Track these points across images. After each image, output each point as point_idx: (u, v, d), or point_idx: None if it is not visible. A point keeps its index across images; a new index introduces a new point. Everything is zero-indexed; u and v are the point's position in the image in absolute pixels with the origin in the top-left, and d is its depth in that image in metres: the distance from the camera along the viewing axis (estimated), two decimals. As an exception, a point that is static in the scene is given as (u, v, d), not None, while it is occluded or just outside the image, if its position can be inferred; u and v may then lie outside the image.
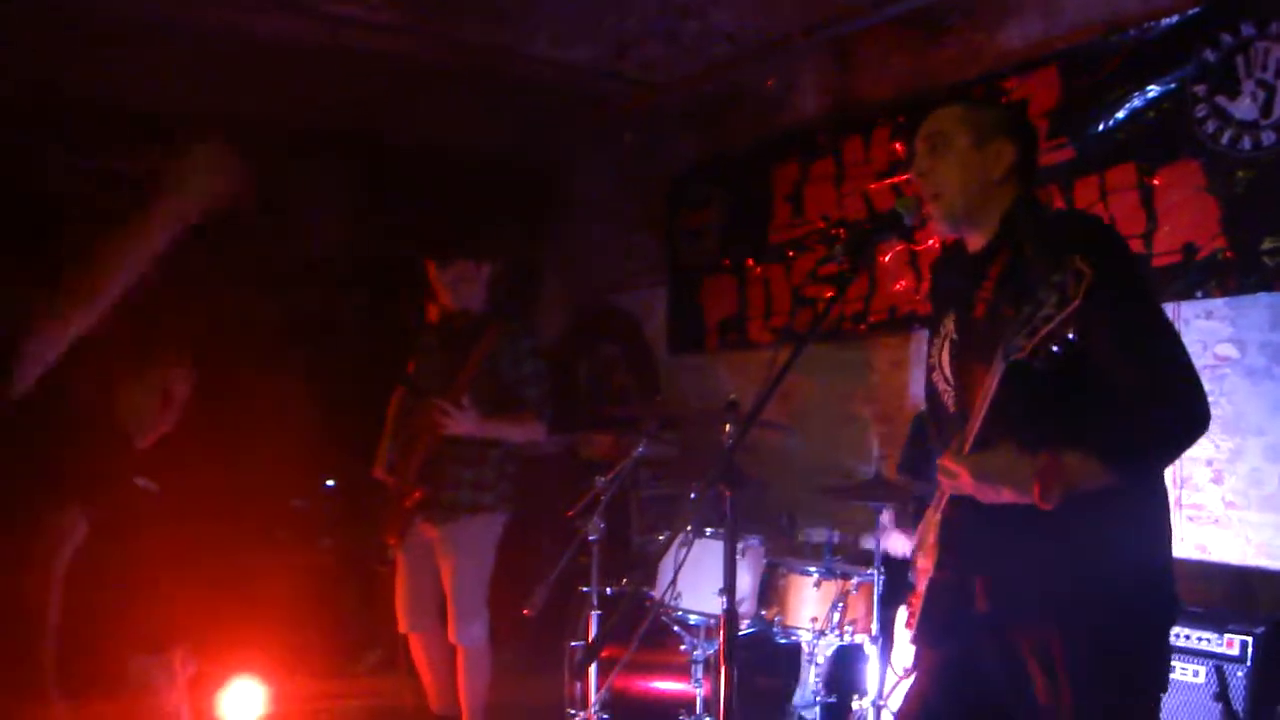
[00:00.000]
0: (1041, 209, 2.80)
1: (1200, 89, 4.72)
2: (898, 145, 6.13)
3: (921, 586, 2.78)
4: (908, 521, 4.91)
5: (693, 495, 5.48)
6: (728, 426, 4.93)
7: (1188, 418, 2.41)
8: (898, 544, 5.03)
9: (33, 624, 3.83)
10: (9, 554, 3.83)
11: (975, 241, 2.76)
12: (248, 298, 6.81)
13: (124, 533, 4.09)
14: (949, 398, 2.73)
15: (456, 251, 5.12)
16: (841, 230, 6.42)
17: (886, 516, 4.86)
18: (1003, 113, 2.80)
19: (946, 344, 2.76)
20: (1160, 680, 2.54)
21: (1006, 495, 2.41)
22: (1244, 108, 4.58)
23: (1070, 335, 2.21)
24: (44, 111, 6.49)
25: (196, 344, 4.37)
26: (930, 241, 5.87)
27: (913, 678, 2.93)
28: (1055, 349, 2.24)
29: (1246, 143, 4.57)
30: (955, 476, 2.48)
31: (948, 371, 2.75)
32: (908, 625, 2.83)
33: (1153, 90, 4.90)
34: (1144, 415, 2.40)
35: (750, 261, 7.15)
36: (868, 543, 5.12)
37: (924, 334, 5.49)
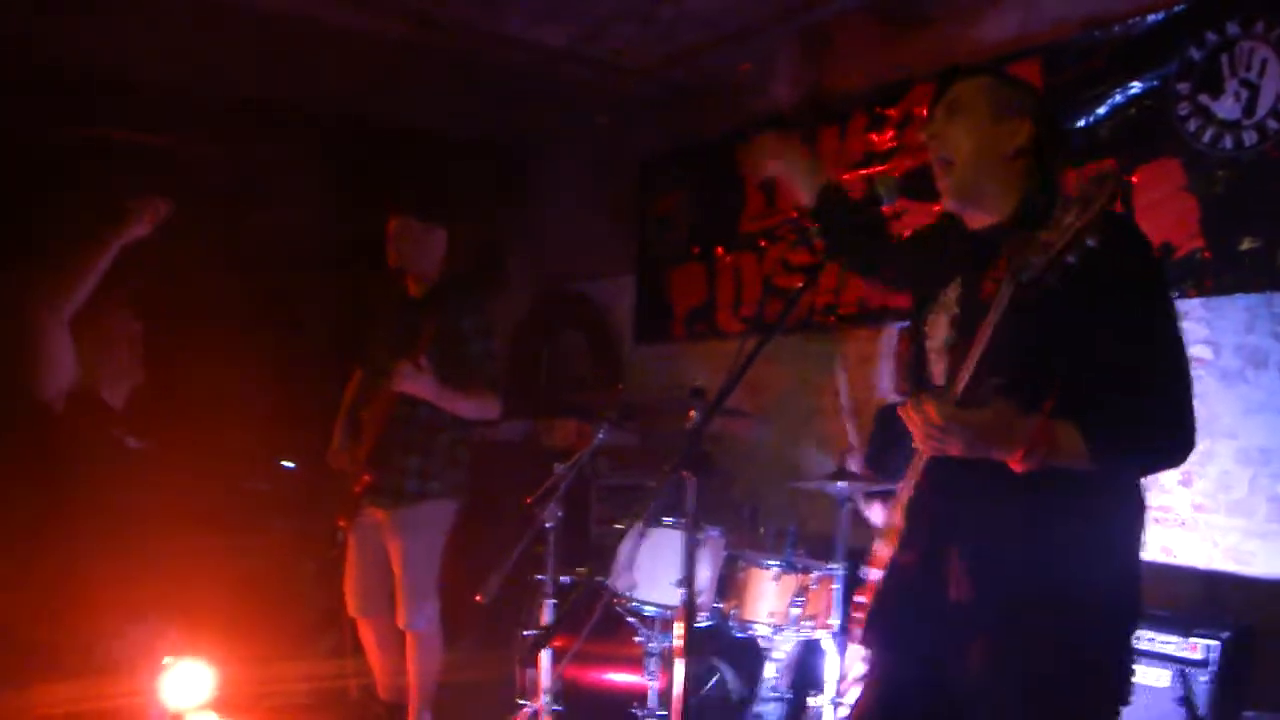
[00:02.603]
0: (1057, 196, 2.69)
1: (1183, 87, 4.66)
2: (873, 136, 6.04)
3: (875, 578, 2.66)
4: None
5: (653, 483, 5.39)
6: (692, 413, 4.84)
7: (1187, 444, 2.34)
8: (878, 514, 4.96)
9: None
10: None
11: (979, 219, 2.64)
12: (212, 276, 6.69)
13: (112, 499, 4.01)
14: (940, 370, 2.62)
15: (411, 207, 5.04)
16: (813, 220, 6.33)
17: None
18: (1027, 93, 2.68)
19: (943, 315, 2.65)
20: (1124, 692, 2.45)
21: (989, 454, 2.30)
22: (1227, 107, 4.52)
23: (1090, 241, 2.10)
24: (12, 77, 6.35)
25: (141, 296, 4.32)
26: (903, 234, 5.78)
27: (861, 686, 2.81)
28: (1070, 259, 2.13)
29: (1228, 142, 4.50)
30: (944, 442, 2.32)
31: (940, 343, 2.64)
32: (854, 624, 2.71)
33: (1135, 87, 4.84)
34: (1148, 424, 2.32)
35: (720, 250, 7.06)
36: (831, 536, 5.03)
37: (894, 328, 5.46)
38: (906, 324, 5.06)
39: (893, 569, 2.59)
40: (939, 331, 2.65)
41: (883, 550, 2.62)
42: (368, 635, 5.15)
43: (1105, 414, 2.29)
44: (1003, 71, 2.85)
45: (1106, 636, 2.44)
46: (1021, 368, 2.28)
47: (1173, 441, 2.33)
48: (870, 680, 2.76)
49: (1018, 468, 2.26)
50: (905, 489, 2.55)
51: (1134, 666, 2.50)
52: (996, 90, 2.64)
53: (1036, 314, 2.23)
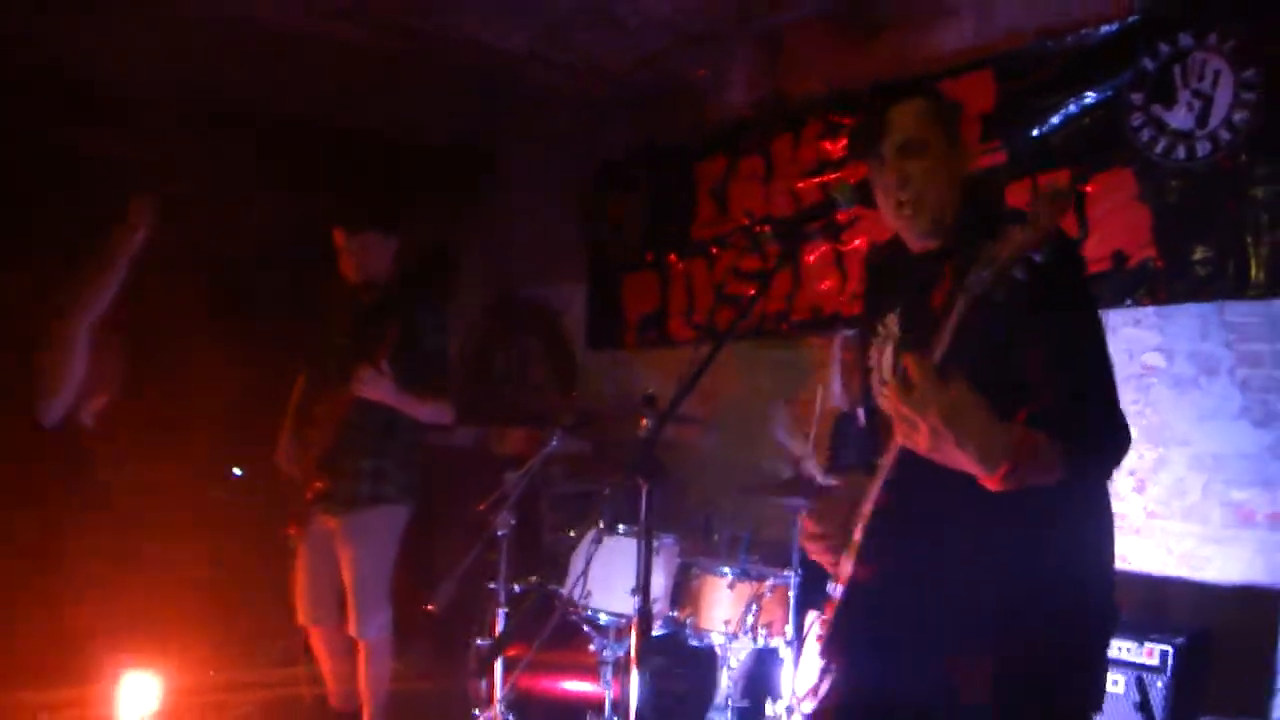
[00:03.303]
0: (992, 204, 2.68)
1: (1137, 97, 4.69)
2: (828, 144, 6.05)
3: (837, 593, 2.61)
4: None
5: (606, 490, 5.37)
6: (644, 421, 4.82)
7: (1124, 443, 2.31)
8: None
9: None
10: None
11: (920, 242, 2.62)
12: (166, 280, 6.60)
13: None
14: (885, 401, 2.60)
15: (364, 220, 4.97)
16: (765, 227, 6.33)
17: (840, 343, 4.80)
18: (957, 106, 2.66)
19: (889, 345, 2.63)
20: (1096, 699, 2.44)
21: (963, 455, 2.11)
22: (1180, 117, 4.55)
23: (1036, 256, 2.07)
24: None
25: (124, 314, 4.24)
26: (856, 242, 5.79)
27: (817, 698, 2.77)
28: (1019, 275, 2.07)
29: (1181, 152, 4.54)
30: (915, 397, 2.13)
31: (887, 372, 2.62)
32: (819, 639, 2.68)
33: (1089, 97, 4.87)
34: (1109, 435, 2.30)
35: (673, 257, 7.05)
36: (786, 543, 5.01)
37: (841, 335, 5.46)
38: (852, 332, 5.11)
39: (852, 586, 2.55)
40: (885, 361, 2.64)
41: (845, 566, 2.59)
42: (319, 644, 5.08)
43: (1072, 427, 2.22)
44: (933, 90, 2.81)
45: (1081, 646, 2.43)
46: (983, 377, 2.16)
47: (1123, 451, 2.32)
48: (829, 694, 2.72)
49: (995, 486, 2.13)
50: (865, 503, 2.51)
51: (1107, 674, 2.50)
52: (941, 113, 2.60)
53: (988, 325, 2.17)
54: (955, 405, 2.08)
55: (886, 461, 2.40)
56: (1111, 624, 2.48)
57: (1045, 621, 2.34)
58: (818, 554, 2.67)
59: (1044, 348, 2.28)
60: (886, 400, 2.55)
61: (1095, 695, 2.43)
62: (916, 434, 2.14)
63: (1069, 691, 2.39)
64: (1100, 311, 2.37)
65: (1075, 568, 2.38)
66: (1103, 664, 2.49)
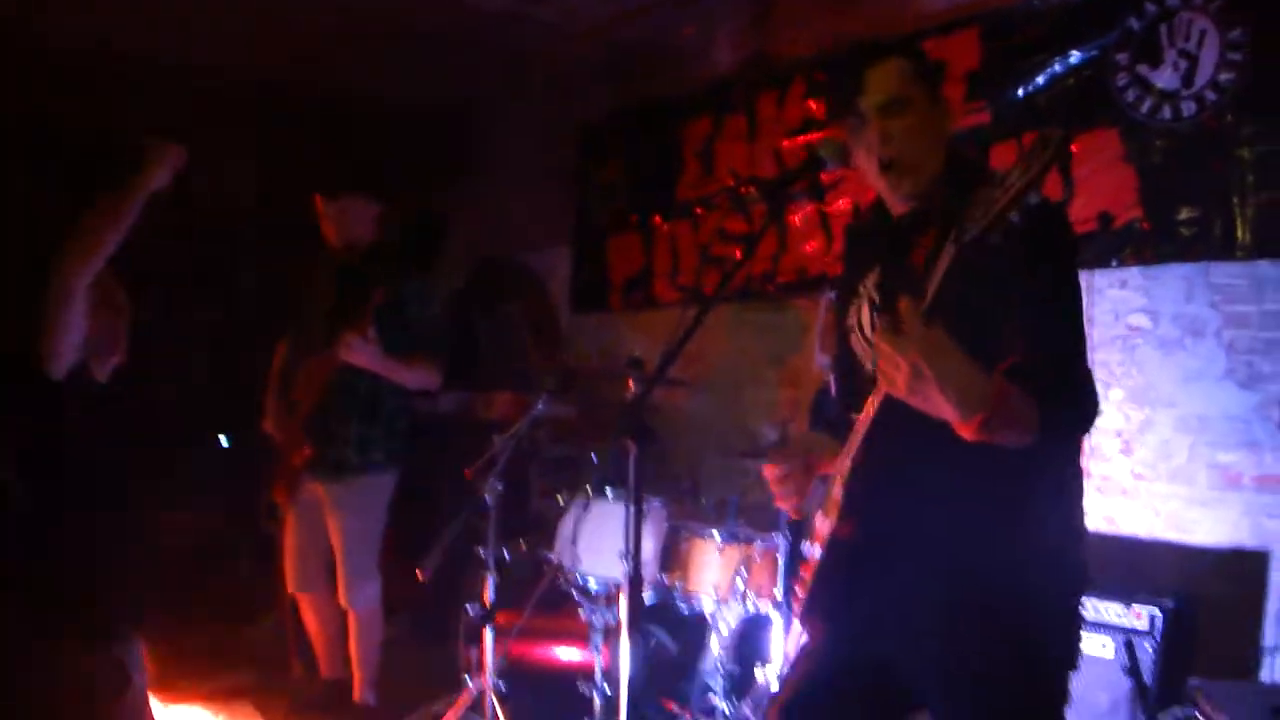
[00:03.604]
0: (974, 167, 2.65)
1: (1122, 57, 4.67)
2: (812, 103, 6.02)
3: (814, 553, 2.63)
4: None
5: (594, 455, 5.36)
6: (631, 383, 4.81)
7: (1095, 410, 2.29)
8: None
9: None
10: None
11: (903, 203, 2.60)
12: (141, 246, 6.55)
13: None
14: (869, 359, 2.60)
15: (343, 185, 4.95)
16: (751, 188, 6.30)
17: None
18: (938, 65, 2.62)
19: (865, 304, 2.62)
20: (1072, 657, 2.45)
21: (944, 402, 2.09)
22: (1166, 77, 4.53)
23: (1032, 199, 2.04)
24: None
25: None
26: (841, 203, 5.77)
27: (796, 657, 2.77)
28: (1014, 218, 2.01)
29: (1167, 112, 4.52)
30: (902, 341, 2.10)
31: (868, 330, 2.61)
32: (795, 599, 2.68)
33: (1074, 56, 4.84)
34: (1084, 395, 2.28)
35: (658, 219, 7.01)
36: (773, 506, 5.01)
37: (825, 298, 5.45)
38: (833, 294, 5.10)
39: (831, 544, 2.56)
40: (863, 320, 2.63)
41: (822, 524, 2.59)
42: (308, 612, 5.08)
43: (1049, 388, 2.20)
44: (914, 49, 2.78)
45: (1057, 605, 2.43)
46: (967, 329, 2.12)
47: (1093, 418, 2.30)
48: (805, 655, 2.72)
49: (969, 435, 2.11)
50: (843, 461, 2.51)
51: (1081, 633, 2.51)
52: (922, 72, 2.56)
53: (977, 274, 2.12)
54: (938, 345, 2.07)
55: (865, 417, 2.39)
56: (1084, 583, 2.49)
57: (1019, 577, 2.34)
58: (783, 498, 2.70)
59: (1026, 304, 2.27)
60: (868, 350, 2.56)
61: (1070, 653, 2.45)
62: (898, 375, 2.11)
63: (1043, 646, 2.40)
64: (1085, 272, 2.36)
65: (1047, 525, 2.38)
66: (1077, 623, 2.50)
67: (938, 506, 2.39)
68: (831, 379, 4.70)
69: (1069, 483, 2.47)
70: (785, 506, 2.73)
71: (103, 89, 6.82)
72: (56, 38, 6.48)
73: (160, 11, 6.28)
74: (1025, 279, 2.26)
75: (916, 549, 2.43)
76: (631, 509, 3.03)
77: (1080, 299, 2.34)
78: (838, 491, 2.53)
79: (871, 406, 2.37)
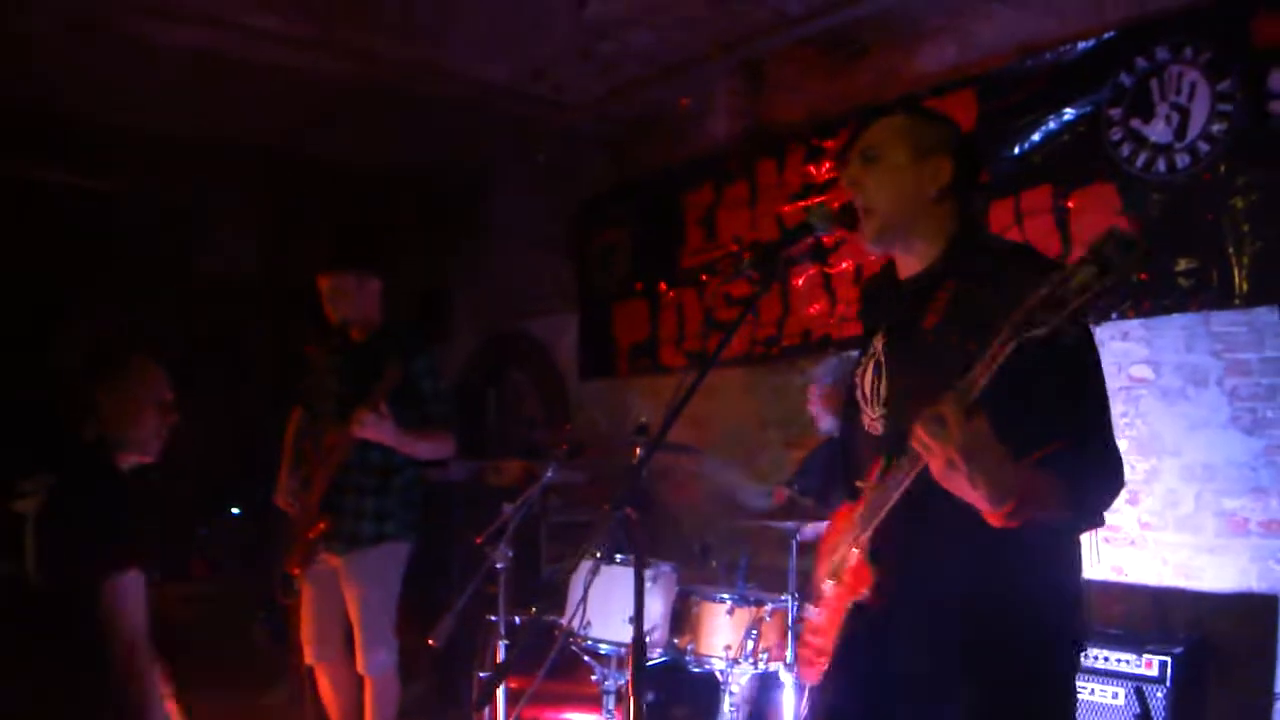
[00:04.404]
0: (988, 237, 2.69)
1: (1115, 112, 4.74)
2: (811, 168, 6.09)
3: (821, 617, 2.63)
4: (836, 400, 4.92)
5: (598, 521, 5.36)
6: (638, 450, 4.83)
7: (1122, 480, 2.32)
8: (823, 417, 5.12)
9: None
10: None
11: (909, 264, 2.61)
12: (154, 315, 6.62)
13: None
14: (868, 420, 2.61)
15: (343, 262, 4.98)
16: (750, 252, 6.35)
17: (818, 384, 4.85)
18: (945, 129, 2.63)
19: (870, 364, 2.65)
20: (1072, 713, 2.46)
21: (973, 489, 2.11)
22: (1158, 131, 4.60)
23: (1100, 303, 2.06)
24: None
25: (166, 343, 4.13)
26: (844, 265, 5.83)
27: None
28: (1088, 320, 2.08)
29: (1161, 165, 4.58)
30: (943, 432, 2.10)
31: (867, 389, 2.63)
32: (806, 664, 2.68)
33: (1068, 113, 4.92)
34: (1111, 479, 2.30)
35: (663, 285, 7.07)
36: (783, 568, 5.02)
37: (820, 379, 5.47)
38: (826, 380, 5.14)
39: (858, 610, 2.56)
40: (865, 380, 2.65)
41: (836, 592, 2.59)
42: (324, 681, 5.07)
43: (1082, 473, 2.24)
44: (919, 107, 2.83)
45: (1057, 663, 2.43)
46: (1005, 418, 2.13)
47: (1120, 488, 2.33)
48: (816, 713, 2.72)
49: (996, 522, 2.15)
50: (860, 533, 2.52)
51: (1079, 685, 2.51)
52: (914, 129, 2.60)
53: (1037, 365, 2.13)
54: (976, 440, 2.08)
55: (887, 491, 2.40)
56: (1080, 644, 2.50)
57: (1031, 643, 2.36)
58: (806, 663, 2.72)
59: (1060, 390, 2.28)
60: (868, 408, 2.58)
61: (1071, 706, 2.46)
62: (932, 461, 2.14)
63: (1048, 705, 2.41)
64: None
65: (1059, 592, 2.40)
66: (1073, 686, 2.50)
67: (960, 575, 2.39)
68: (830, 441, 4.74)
69: (1073, 544, 2.47)
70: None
71: (116, 162, 6.92)
72: (74, 116, 6.58)
73: (172, 86, 6.39)
74: (1064, 368, 2.27)
75: (937, 616, 2.43)
76: (638, 574, 3.06)
77: (1103, 375, 2.35)
78: (855, 559, 2.53)
79: (894, 480, 2.37)
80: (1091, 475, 2.26)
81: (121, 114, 6.72)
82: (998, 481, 2.09)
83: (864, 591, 2.50)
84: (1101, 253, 1.94)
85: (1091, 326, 2.43)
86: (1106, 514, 2.38)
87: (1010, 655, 2.34)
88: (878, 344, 2.64)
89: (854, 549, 2.53)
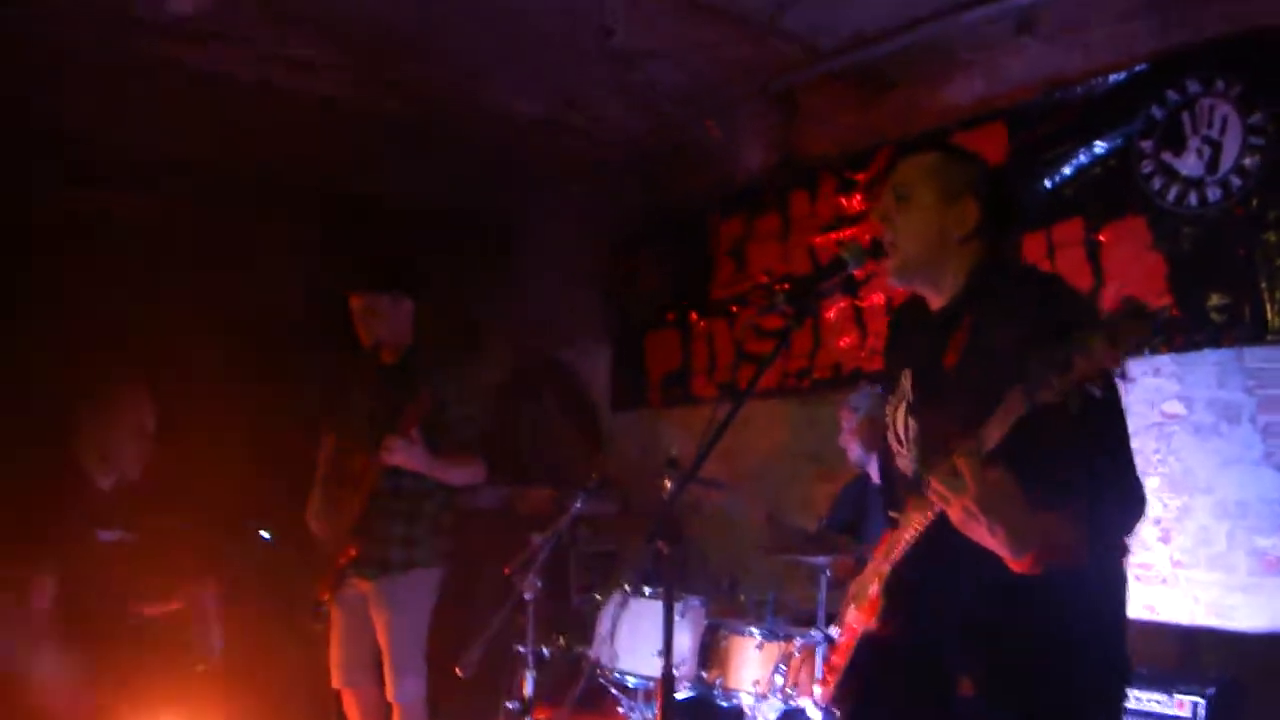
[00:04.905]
0: (1009, 271, 2.69)
1: (1146, 145, 4.72)
2: (843, 200, 6.09)
3: (846, 642, 2.67)
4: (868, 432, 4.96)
5: (629, 554, 5.38)
6: (668, 483, 4.83)
7: (1142, 512, 2.33)
8: (854, 448, 5.11)
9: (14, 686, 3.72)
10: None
11: (936, 300, 2.65)
12: (194, 346, 6.68)
13: (91, 590, 3.95)
14: (902, 459, 2.63)
15: (375, 284, 5.01)
16: (785, 285, 6.36)
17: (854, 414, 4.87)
18: (974, 170, 2.66)
19: (901, 405, 2.66)
20: None
21: (993, 537, 2.16)
22: (1190, 164, 4.58)
23: (1117, 374, 2.07)
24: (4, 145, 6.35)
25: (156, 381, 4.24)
26: (874, 297, 5.82)
27: None
28: (1097, 393, 2.05)
29: (1193, 199, 4.55)
30: (959, 485, 2.17)
31: (900, 430, 2.64)
32: (824, 684, 2.70)
33: (1099, 147, 4.90)
34: (1116, 511, 2.31)
35: (694, 316, 7.08)
36: (812, 602, 5.00)
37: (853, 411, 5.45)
38: (858, 395, 5.14)
39: (866, 640, 2.57)
40: (898, 419, 2.66)
41: (855, 617, 2.61)
42: (353, 707, 5.06)
43: (1101, 517, 2.25)
44: (950, 146, 2.86)
45: (1099, 704, 2.41)
46: (1026, 468, 2.17)
47: (1141, 515, 2.33)
48: None
49: (1017, 569, 2.18)
50: (884, 562, 2.54)
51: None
52: (944, 170, 2.63)
53: (1050, 430, 2.16)
54: (993, 491, 2.13)
55: (911, 526, 2.42)
56: (1125, 679, 2.47)
57: (1060, 678, 2.33)
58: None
59: (1078, 440, 2.28)
60: (900, 448, 2.60)
61: None
62: (950, 510, 2.20)
63: None
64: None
65: (1089, 625, 2.37)
66: (1118, 715, 2.48)
67: (984, 611, 2.38)
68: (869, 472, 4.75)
69: (1114, 578, 2.46)
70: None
71: (161, 193, 7.01)
72: (114, 140, 6.65)
73: (209, 119, 6.46)
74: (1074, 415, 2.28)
75: (958, 649, 2.43)
76: (666, 609, 3.06)
77: (1122, 414, 2.35)
78: (875, 590, 2.55)
79: (915, 520, 2.42)
80: (1110, 519, 2.28)
81: (167, 145, 6.80)
82: (1016, 531, 2.14)
83: (873, 621, 2.53)
84: (1115, 325, 1.99)
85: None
86: (1131, 545, 2.39)
87: (1031, 693, 2.33)
88: (906, 382, 2.65)
89: (875, 578, 2.56)
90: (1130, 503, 2.31)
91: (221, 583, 4.37)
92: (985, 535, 2.16)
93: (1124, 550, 2.39)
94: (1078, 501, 2.22)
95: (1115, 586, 2.45)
